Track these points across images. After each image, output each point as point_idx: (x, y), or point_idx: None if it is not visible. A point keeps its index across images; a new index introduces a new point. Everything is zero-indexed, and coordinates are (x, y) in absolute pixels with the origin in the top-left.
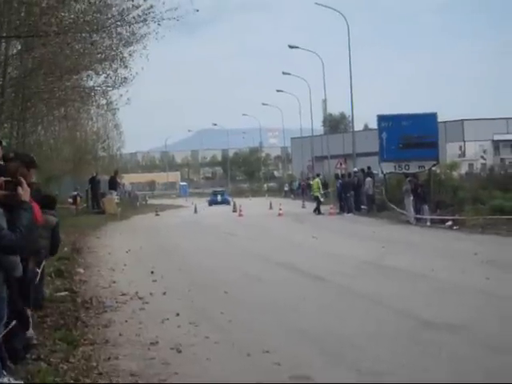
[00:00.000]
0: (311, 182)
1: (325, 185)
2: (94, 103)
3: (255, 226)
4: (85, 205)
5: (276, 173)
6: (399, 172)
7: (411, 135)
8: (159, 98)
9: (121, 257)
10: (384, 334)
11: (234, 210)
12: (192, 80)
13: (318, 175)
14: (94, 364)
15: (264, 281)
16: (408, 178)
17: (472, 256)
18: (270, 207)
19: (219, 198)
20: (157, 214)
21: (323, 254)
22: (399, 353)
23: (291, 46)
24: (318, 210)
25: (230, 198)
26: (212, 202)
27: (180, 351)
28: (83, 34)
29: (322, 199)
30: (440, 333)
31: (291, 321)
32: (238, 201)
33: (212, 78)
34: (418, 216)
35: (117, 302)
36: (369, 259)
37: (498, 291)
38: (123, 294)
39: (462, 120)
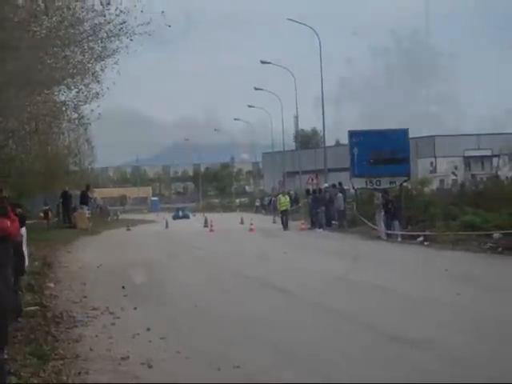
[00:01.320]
0: (277, 198)
1: (295, 200)
2: (66, 117)
3: (226, 241)
4: (56, 219)
5: (247, 188)
6: (370, 188)
7: (382, 151)
8: (131, 113)
9: (92, 271)
10: (353, 348)
11: (206, 225)
12: (164, 94)
13: (288, 193)
14: (65, 378)
15: (234, 295)
16: (380, 194)
17: (442, 272)
18: (241, 222)
19: (181, 213)
20: (128, 229)
21: (293, 269)
22: (368, 366)
23: (263, 62)
24: (285, 225)
25: (189, 213)
26: (175, 217)
27: (151, 366)
28: (55, 49)
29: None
30: (406, 347)
31: (262, 335)
32: (210, 216)
33: (184, 92)
34: (389, 232)
35: (87, 317)
36: (338, 274)
37: (468, 306)
38: (94, 309)
39: (434, 136)
